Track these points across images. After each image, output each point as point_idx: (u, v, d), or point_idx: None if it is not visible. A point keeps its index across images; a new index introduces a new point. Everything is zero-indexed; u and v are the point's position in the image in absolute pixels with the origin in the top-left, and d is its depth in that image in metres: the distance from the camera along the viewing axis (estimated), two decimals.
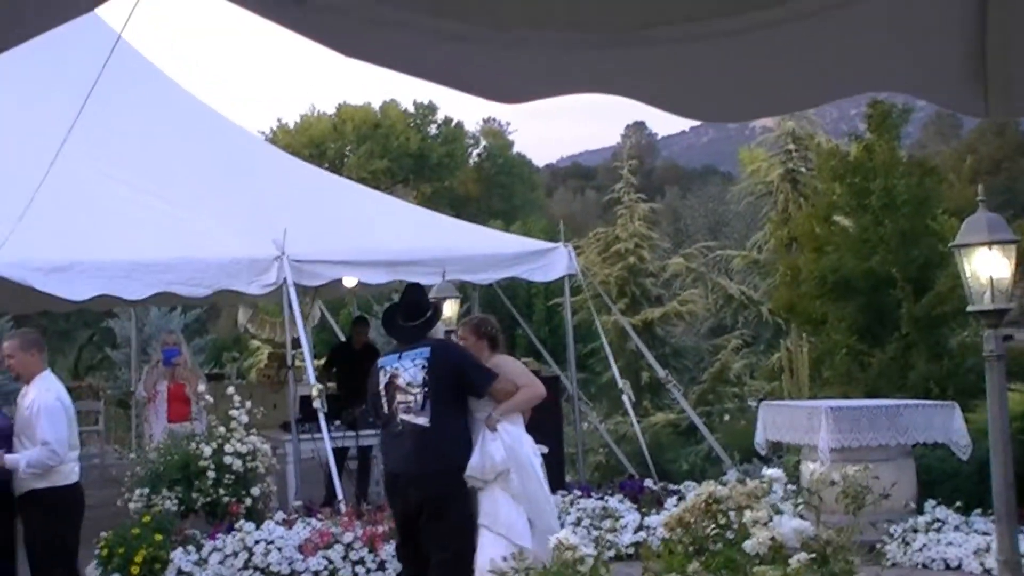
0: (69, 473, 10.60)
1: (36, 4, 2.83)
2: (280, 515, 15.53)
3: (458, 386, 11.22)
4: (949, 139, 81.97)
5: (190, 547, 14.61)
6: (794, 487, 13.62)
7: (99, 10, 2.97)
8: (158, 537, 14.55)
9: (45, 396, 10.54)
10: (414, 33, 3.08)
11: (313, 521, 15.23)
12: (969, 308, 11.04)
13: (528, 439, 11.04)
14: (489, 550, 10.50)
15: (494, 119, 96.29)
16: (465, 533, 10.82)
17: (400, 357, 11.50)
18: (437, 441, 11.11)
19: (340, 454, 17.65)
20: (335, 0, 2.96)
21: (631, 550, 14.22)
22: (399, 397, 11.25)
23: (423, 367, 11.23)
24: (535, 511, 10.80)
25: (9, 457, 10.45)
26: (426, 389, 11.16)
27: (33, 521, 10.66)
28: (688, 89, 3.56)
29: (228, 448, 15.63)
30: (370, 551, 14.54)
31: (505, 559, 10.30)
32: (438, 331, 12.46)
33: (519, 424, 11.04)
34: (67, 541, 10.70)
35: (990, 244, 10.61)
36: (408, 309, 11.85)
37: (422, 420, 11.16)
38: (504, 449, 10.80)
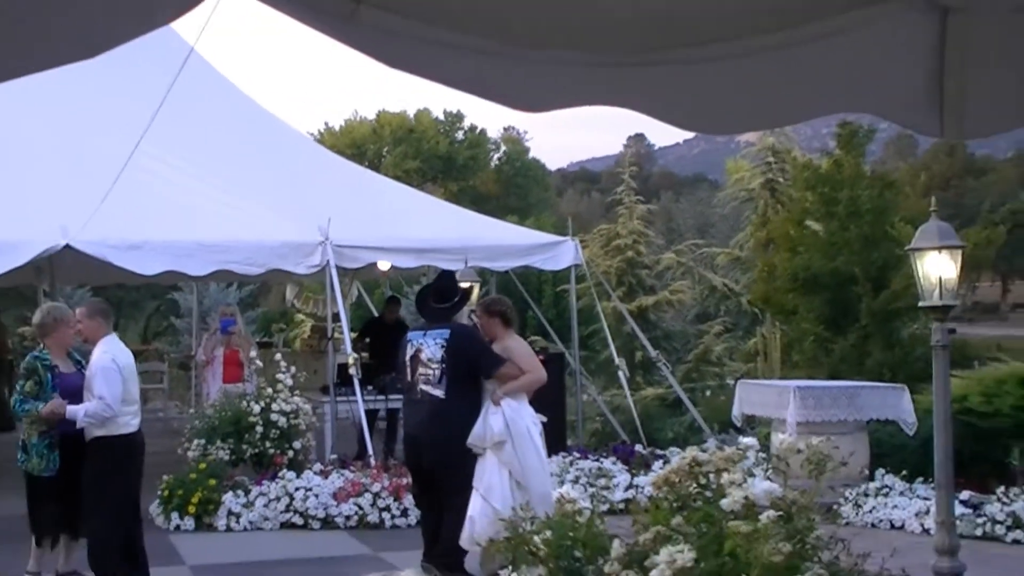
0: (124, 425, 10.64)
1: (118, 18, 2.83)
2: (318, 466, 15.55)
3: (470, 367, 11.28)
4: (907, 157, 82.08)
5: (239, 491, 14.66)
6: (765, 455, 13.68)
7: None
8: (212, 482, 14.60)
9: (103, 357, 10.63)
10: (450, 48, 3.09)
11: (346, 472, 15.25)
12: (920, 304, 11.03)
13: (529, 411, 11.02)
14: (473, 506, 10.78)
15: (513, 128, 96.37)
16: (469, 490, 10.90)
17: (425, 334, 11.61)
18: (448, 411, 11.23)
19: (371, 415, 17.65)
20: (381, 18, 2.96)
21: (622, 506, 14.21)
22: (420, 369, 11.41)
23: (442, 346, 11.34)
24: (529, 477, 10.75)
25: (71, 408, 10.58)
26: (443, 366, 11.28)
27: (94, 464, 10.75)
28: (686, 105, 3.58)
29: (274, 407, 15.67)
30: (395, 500, 14.56)
31: (474, 519, 10.59)
32: (463, 312, 12.44)
33: (522, 399, 11.04)
34: (121, 483, 10.73)
35: (940, 248, 10.63)
36: (439, 293, 11.96)
37: (438, 392, 11.30)
38: (504, 422, 10.83)
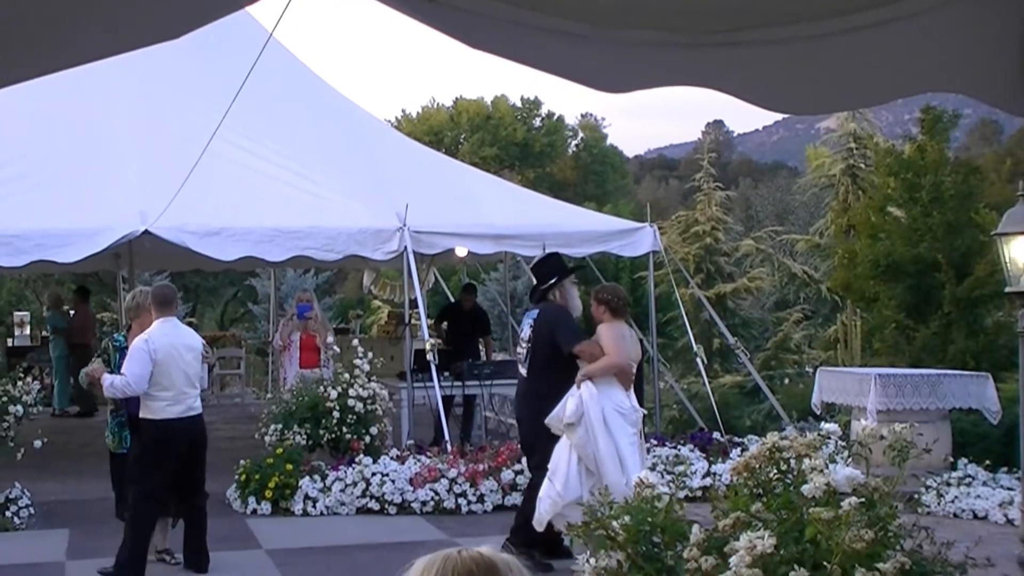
0: (160, 410, 10.78)
1: (199, 0, 2.86)
2: (394, 452, 15.62)
3: (551, 345, 11.32)
4: (991, 143, 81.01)
5: (316, 476, 14.75)
6: (844, 443, 13.58)
7: (250, 8, 3.00)
8: (288, 467, 14.69)
9: (139, 339, 10.86)
10: (532, 29, 3.09)
11: (423, 458, 15.31)
12: (1007, 290, 10.92)
13: (615, 398, 10.91)
14: (543, 486, 10.95)
15: (591, 114, 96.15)
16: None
17: (528, 314, 11.87)
18: (531, 390, 11.46)
19: (447, 401, 17.69)
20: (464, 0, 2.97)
21: (699, 493, 14.18)
22: (518, 348, 11.75)
23: (531, 326, 11.47)
24: (600, 464, 10.70)
25: (106, 376, 10.86)
26: (529, 345, 11.37)
27: (134, 443, 11.01)
28: (770, 85, 3.55)
29: (351, 392, 15.74)
30: (471, 485, 14.60)
31: (541, 499, 10.58)
32: (571, 295, 12.26)
33: (610, 385, 10.94)
34: (150, 467, 10.86)
35: None
36: (537, 273, 12.16)
37: (524, 371, 11.43)
38: (578, 405, 10.82)
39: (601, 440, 10.77)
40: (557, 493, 10.80)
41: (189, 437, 11.02)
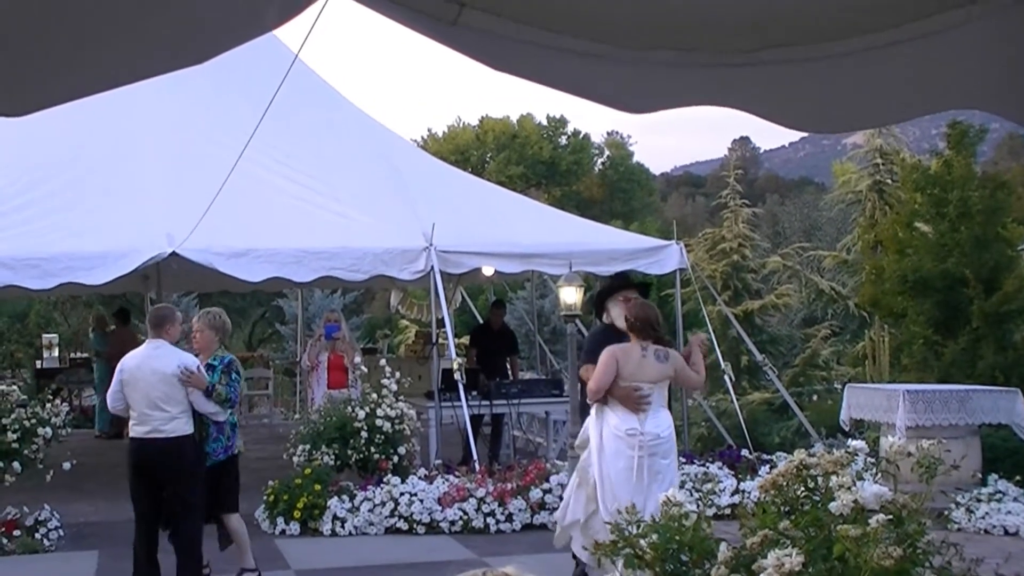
0: (131, 429, 10.96)
1: (226, 25, 2.88)
2: (422, 471, 15.62)
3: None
4: (1019, 157, 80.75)
5: (344, 496, 14.76)
6: (873, 459, 13.57)
7: (275, 31, 3.03)
8: (317, 487, 14.70)
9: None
10: (554, 51, 3.11)
11: (451, 477, 15.31)
12: None
13: (611, 424, 10.61)
14: None
15: (617, 132, 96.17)
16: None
17: None
18: (579, 409, 11.48)
19: (476, 420, 17.70)
20: (486, 21, 2.99)
21: (728, 511, 14.16)
22: None
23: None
24: (598, 488, 10.63)
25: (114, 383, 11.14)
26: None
27: None
28: (793, 104, 3.57)
29: (379, 412, 15.75)
30: (500, 505, 14.60)
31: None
32: (616, 315, 11.96)
33: (612, 409, 10.65)
34: (129, 483, 11.07)
35: None
36: (596, 297, 12.23)
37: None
38: (584, 429, 10.85)
39: (596, 465, 10.65)
40: (560, 516, 10.90)
41: (153, 459, 10.97)
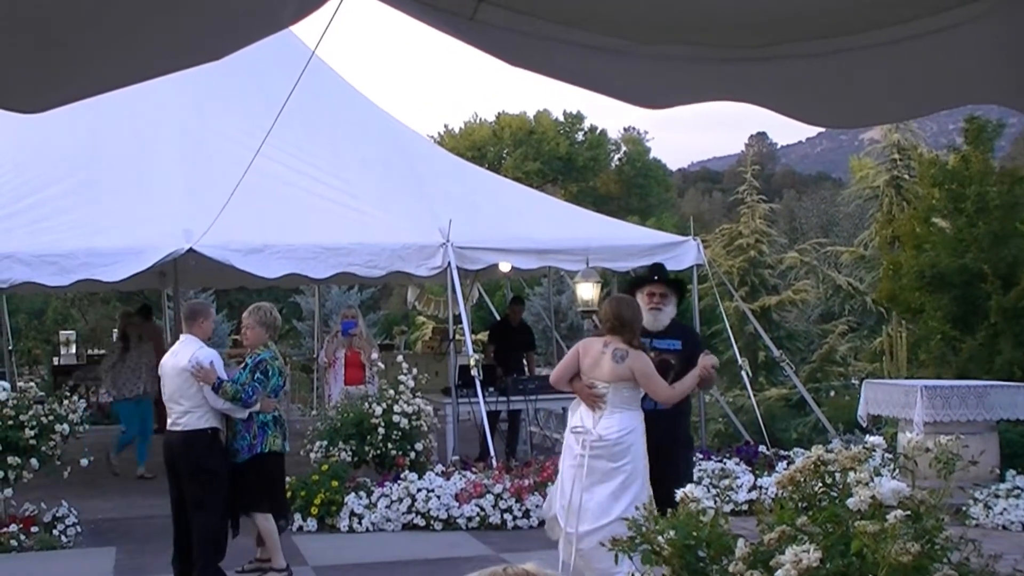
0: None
1: (243, 21, 2.89)
2: (440, 467, 15.63)
3: None
4: None
5: (361, 493, 14.78)
6: (891, 455, 13.53)
7: (292, 27, 3.04)
8: (334, 483, 14.72)
9: None
10: (570, 46, 3.11)
11: (468, 473, 15.33)
12: None
13: (572, 422, 10.44)
14: None
15: (633, 128, 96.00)
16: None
17: None
18: None
19: (493, 416, 17.71)
20: (503, 16, 2.99)
21: (745, 507, 14.16)
22: None
23: None
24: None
25: None
26: None
27: None
28: (811, 99, 3.56)
29: (396, 408, 15.75)
30: (517, 501, 14.61)
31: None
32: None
33: (576, 407, 10.44)
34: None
35: None
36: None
37: None
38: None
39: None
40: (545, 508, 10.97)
41: (171, 451, 11.15)
